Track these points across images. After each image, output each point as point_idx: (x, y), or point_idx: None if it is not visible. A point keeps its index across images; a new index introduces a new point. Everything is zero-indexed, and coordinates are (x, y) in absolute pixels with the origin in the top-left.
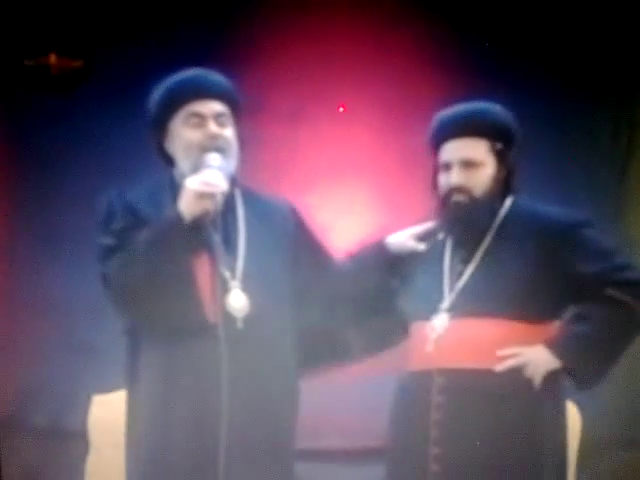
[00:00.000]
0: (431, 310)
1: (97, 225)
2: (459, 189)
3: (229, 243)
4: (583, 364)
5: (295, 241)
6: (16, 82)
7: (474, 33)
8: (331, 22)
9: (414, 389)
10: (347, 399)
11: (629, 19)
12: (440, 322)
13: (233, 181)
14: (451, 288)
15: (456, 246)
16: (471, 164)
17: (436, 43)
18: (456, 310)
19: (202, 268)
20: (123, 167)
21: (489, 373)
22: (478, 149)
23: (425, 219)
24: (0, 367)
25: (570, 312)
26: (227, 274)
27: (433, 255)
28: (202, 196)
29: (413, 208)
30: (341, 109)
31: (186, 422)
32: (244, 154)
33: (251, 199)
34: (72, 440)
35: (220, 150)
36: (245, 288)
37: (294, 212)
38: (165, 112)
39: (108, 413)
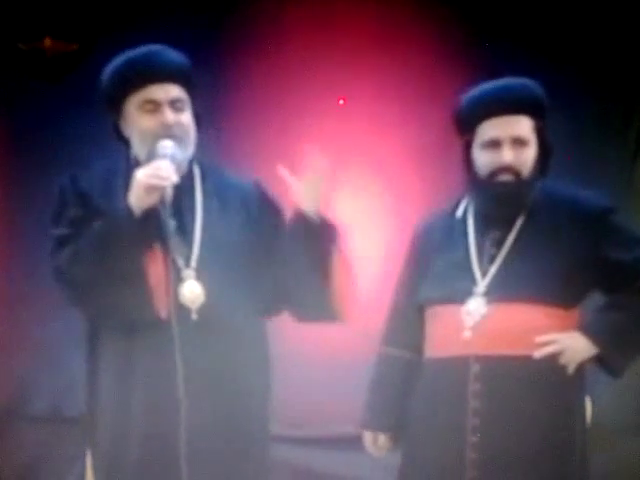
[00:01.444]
0: (461, 294)
1: (50, 215)
2: (509, 168)
3: (185, 229)
4: (618, 352)
5: (257, 218)
6: (10, 66)
7: (479, 23)
8: (331, 15)
9: (449, 376)
10: (359, 385)
11: None
12: (476, 307)
13: (192, 161)
14: (484, 271)
15: (485, 227)
16: (521, 142)
17: (440, 35)
18: (492, 295)
19: (155, 260)
20: (116, 152)
21: (526, 359)
22: (526, 126)
23: (428, 207)
24: (1, 356)
25: (604, 299)
26: (181, 262)
27: (454, 235)
28: (151, 189)
29: (415, 197)
30: (341, 102)
31: (141, 417)
32: (243, 147)
33: (212, 177)
34: (73, 427)
35: (176, 138)
36: (200, 276)
37: (258, 187)
38: (118, 95)
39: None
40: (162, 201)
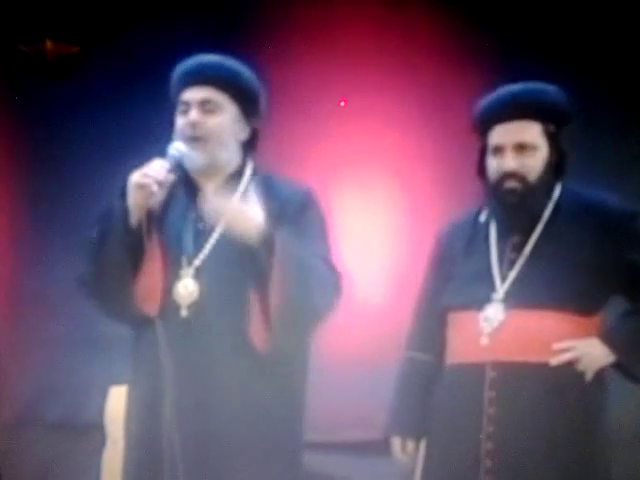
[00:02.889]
0: (480, 300)
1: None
2: (513, 175)
3: (204, 229)
4: (637, 359)
5: (296, 228)
6: (11, 68)
7: (496, 29)
8: (332, 16)
9: (465, 382)
10: (368, 390)
11: None
12: (494, 313)
13: (244, 166)
14: (503, 277)
15: (505, 233)
16: (525, 148)
17: (456, 40)
18: (510, 301)
19: (153, 259)
20: (119, 153)
21: (543, 367)
22: (532, 132)
23: (443, 212)
24: (14, 361)
25: (623, 306)
26: (184, 261)
27: (476, 240)
28: (140, 187)
29: (430, 202)
30: (342, 103)
31: (137, 414)
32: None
33: (259, 184)
34: (86, 433)
35: (199, 139)
36: (199, 275)
37: (308, 198)
38: (173, 96)
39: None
40: (153, 200)
